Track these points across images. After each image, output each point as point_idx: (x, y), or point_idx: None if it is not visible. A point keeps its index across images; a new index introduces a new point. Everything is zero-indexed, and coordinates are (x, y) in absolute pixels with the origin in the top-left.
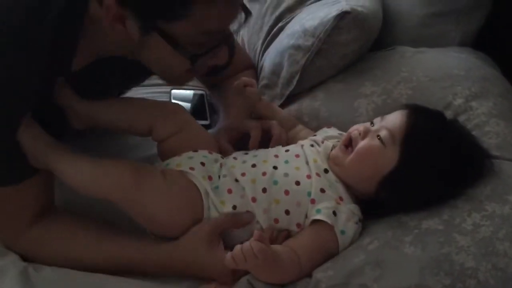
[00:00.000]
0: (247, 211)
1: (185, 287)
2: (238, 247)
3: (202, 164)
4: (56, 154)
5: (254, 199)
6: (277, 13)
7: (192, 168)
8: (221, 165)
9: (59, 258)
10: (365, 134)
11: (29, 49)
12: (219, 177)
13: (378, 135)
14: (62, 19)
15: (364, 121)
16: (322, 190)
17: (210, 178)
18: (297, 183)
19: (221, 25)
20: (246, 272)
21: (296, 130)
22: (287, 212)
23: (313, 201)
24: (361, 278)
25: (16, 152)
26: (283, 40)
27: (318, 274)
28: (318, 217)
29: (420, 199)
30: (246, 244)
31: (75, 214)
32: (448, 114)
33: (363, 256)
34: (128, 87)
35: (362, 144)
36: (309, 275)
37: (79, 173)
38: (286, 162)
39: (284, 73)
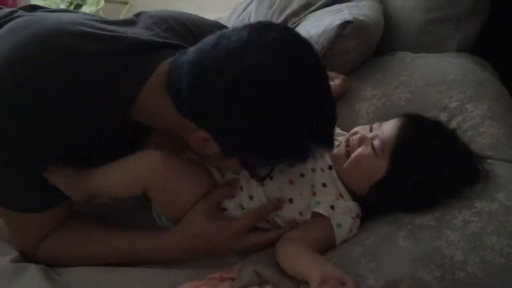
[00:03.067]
0: (233, 178)
1: (193, 274)
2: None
3: None
4: (86, 176)
5: (262, 183)
6: (282, 17)
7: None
8: None
9: (75, 260)
10: (361, 141)
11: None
12: None
13: (372, 143)
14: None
15: (364, 123)
16: (324, 185)
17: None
18: (302, 175)
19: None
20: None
21: None
22: (290, 201)
23: (314, 193)
24: (357, 269)
25: (39, 185)
26: None
27: None
28: (317, 209)
29: (407, 205)
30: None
31: (81, 215)
32: (444, 116)
33: (360, 250)
34: None
35: (357, 152)
36: None
37: (111, 178)
38: None
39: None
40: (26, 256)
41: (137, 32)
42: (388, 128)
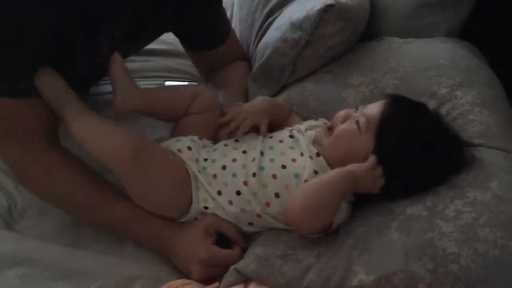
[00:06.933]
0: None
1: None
2: None
3: (189, 148)
4: (68, 106)
5: (246, 183)
6: (267, 9)
7: (179, 150)
8: (209, 148)
9: (63, 189)
10: (345, 119)
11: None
12: (205, 159)
13: (356, 121)
14: None
15: None
16: (315, 172)
17: (196, 160)
18: (283, 166)
19: None
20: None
21: (286, 117)
22: (276, 195)
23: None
24: (348, 263)
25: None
26: (272, 33)
27: (310, 259)
28: None
29: (395, 186)
30: None
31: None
32: (433, 103)
33: (351, 241)
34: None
35: (340, 127)
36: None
37: (84, 128)
38: (271, 148)
39: (273, 66)
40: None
41: None
42: (373, 106)
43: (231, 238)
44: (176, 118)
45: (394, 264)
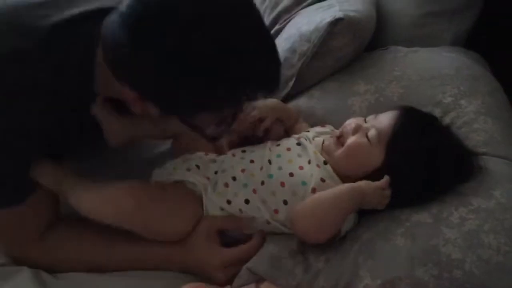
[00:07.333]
0: (248, 218)
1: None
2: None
3: (197, 166)
4: (68, 188)
5: (255, 191)
6: (274, 14)
7: (188, 169)
8: (217, 162)
9: (70, 264)
10: (355, 130)
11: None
12: (216, 172)
13: (366, 133)
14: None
15: None
16: (323, 180)
17: (207, 178)
18: (291, 174)
19: (232, 111)
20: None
21: (294, 124)
22: (285, 202)
23: (314, 190)
24: (354, 268)
25: (14, 174)
26: (280, 43)
27: (319, 264)
28: None
29: (403, 197)
30: None
31: (79, 221)
32: (438, 112)
33: (358, 246)
34: None
35: (351, 140)
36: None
37: (88, 204)
38: (278, 156)
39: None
40: (17, 261)
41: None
42: (384, 118)
43: (235, 229)
44: (172, 137)
45: (399, 269)
